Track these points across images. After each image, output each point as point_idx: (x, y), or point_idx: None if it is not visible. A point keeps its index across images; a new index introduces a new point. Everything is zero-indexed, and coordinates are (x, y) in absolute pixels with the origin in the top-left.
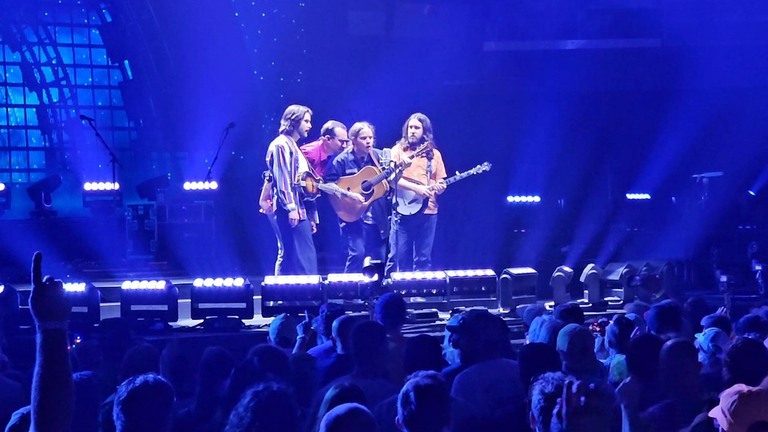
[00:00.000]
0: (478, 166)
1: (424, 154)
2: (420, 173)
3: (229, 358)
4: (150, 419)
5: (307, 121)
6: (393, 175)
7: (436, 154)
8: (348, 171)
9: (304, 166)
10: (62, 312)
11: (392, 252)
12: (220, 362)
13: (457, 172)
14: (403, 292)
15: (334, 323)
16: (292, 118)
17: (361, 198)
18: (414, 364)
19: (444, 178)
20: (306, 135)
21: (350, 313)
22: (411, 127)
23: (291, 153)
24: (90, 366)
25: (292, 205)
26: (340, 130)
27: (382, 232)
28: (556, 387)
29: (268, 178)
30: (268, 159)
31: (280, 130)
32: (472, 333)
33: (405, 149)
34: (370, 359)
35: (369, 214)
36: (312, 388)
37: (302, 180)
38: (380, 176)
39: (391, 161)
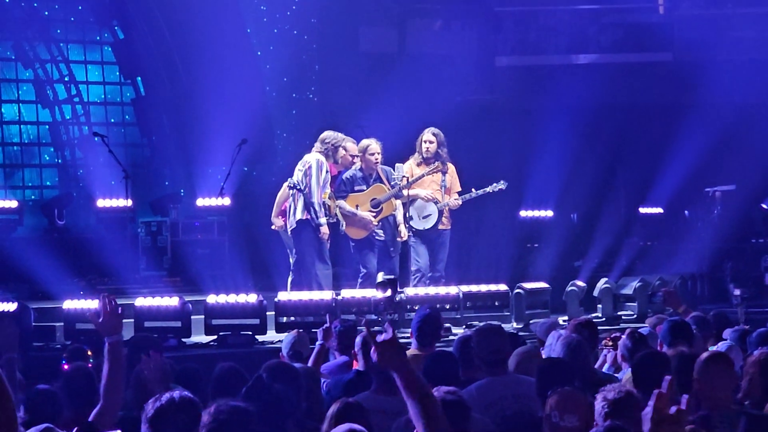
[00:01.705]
0: (495, 184)
1: (438, 170)
2: (435, 188)
3: (241, 374)
4: None
5: (344, 148)
6: (406, 192)
7: (451, 168)
8: (357, 188)
9: (329, 188)
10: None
11: (415, 266)
12: (232, 378)
13: (473, 190)
14: (416, 307)
15: (358, 339)
16: (331, 143)
17: (371, 216)
18: (433, 379)
19: (459, 194)
20: (339, 162)
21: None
22: (425, 141)
23: (327, 171)
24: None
25: (324, 219)
26: (351, 145)
27: (392, 249)
28: (618, 393)
29: (291, 186)
30: (302, 169)
31: (316, 150)
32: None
33: (419, 164)
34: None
35: (379, 231)
36: (322, 404)
37: (328, 199)
38: (389, 194)
39: (404, 176)
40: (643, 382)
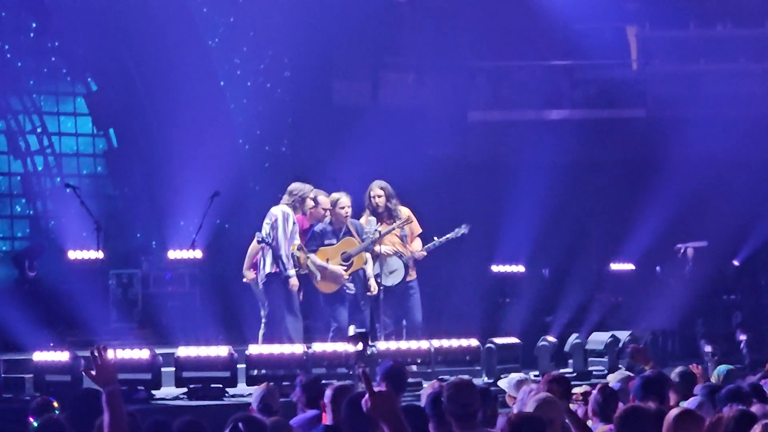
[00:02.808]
0: (457, 229)
1: (393, 222)
2: (395, 241)
3: (202, 427)
4: None
5: (312, 199)
6: (378, 247)
7: (405, 213)
8: (327, 242)
9: (298, 239)
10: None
11: (384, 321)
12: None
13: (435, 238)
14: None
15: (328, 391)
16: (298, 195)
17: (342, 270)
18: None
19: (423, 243)
20: (308, 214)
21: (338, 382)
22: (374, 196)
23: (294, 222)
24: None
25: (292, 271)
26: (323, 198)
27: (362, 303)
28: None
29: (260, 240)
30: (269, 222)
31: (284, 203)
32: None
33: (380, 223)
34: (363, 429)
35: (350, 284)
36: None
37: (297, 250)
38: (360, 247)
39: (377, 230)
40: None
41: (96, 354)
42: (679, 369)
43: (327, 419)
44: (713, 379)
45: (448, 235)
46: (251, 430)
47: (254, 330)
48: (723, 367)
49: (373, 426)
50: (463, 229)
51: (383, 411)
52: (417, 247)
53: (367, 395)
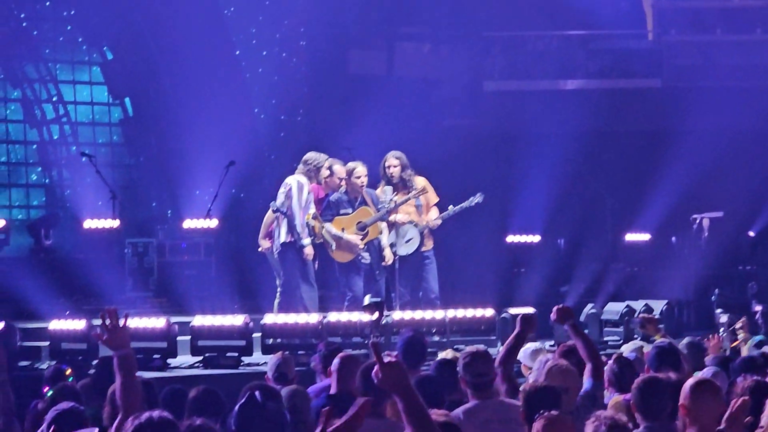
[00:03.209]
0: (471, 198)
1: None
2: (410, 211)
3: (218, 396)
4: None
5: (327, 168)
6: (392, 217)
7: (421, 182)
8: (342, 211)
9: (313, 208)
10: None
11: (399, 290)
12: (207, 400)
13: (450, 206)
14: (402, 330)
15: (336, 360)
16: (313, 164)
17: (357, 239)
18: None
19: (438, 211)
20: (323, 183)
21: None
22: (389, 166)
23: (309, 192)
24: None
25: (307, 240)
26: (339, 168)
27: (377, 272)
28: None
29: (275, 209)
30: (284, 191)
31: (299, 172)
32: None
33: (395, 192)
34: (380, 400)
35: (365, 254)
36: (308, 424)
37: (312, 219)
38: (375, 217)
39: (392, 199)
40: (647, 408)
41: (106, 317)
42: (686, 340)
43: (332, 388)
44: (744, 349)
45: (462, 204)
46: (267, 398)
47: (269, 299)
48: (757, 337)
49: (386, 396)
50: (477, 198)
51: (394, 382)
52: (433, 216)
53: (377, 367)
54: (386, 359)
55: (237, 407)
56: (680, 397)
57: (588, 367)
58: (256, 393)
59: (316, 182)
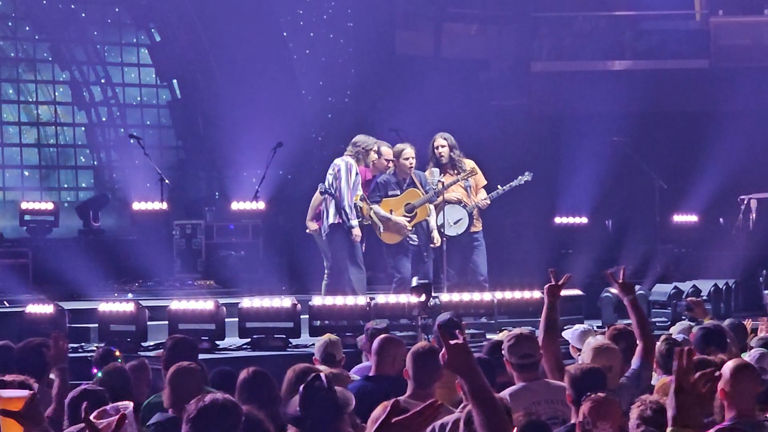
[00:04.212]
0: (520, 177)
1: (457, 173)
2: (460, 192)
3: (268, 378)
4: None
5: (375, 151)
6: (440, 198)
7: (469, 164)
8: (390, 193)
9: (360, 190)
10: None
11: (448, 272)
12: (258, 382)
13: (498, 186)
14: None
15: (375, 342)
16: (362, 146)
17: (405, 221)
18: None
19: (487, 192)
20: (371, 166)
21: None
22: (437, 147)
23: (357, 173)
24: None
25: (355, 222)
26: (386, 149)
27: (425, 254)
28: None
29: (322, 191)
30: (332, 172)
31: (347, 154)
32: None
33: (443, 174)
34: (427, 382)
35: (413, 235)
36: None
37: (360, 201)
38: (424, 199)
39: (440, 180)
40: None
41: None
42: (728, 321)
43: (372, 370)
44: None
45: (511, 183)
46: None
47: (317, 281)
48: None
49: (435, 379)
50: (526, 177)
51: (460, 364)
52: (481, 197)
53: (444, 349)
54: (452, 342)
55: (301, 389)
56: (721, 380)
57: (639, 346)
58: (321, 375)
59: (364, 165)
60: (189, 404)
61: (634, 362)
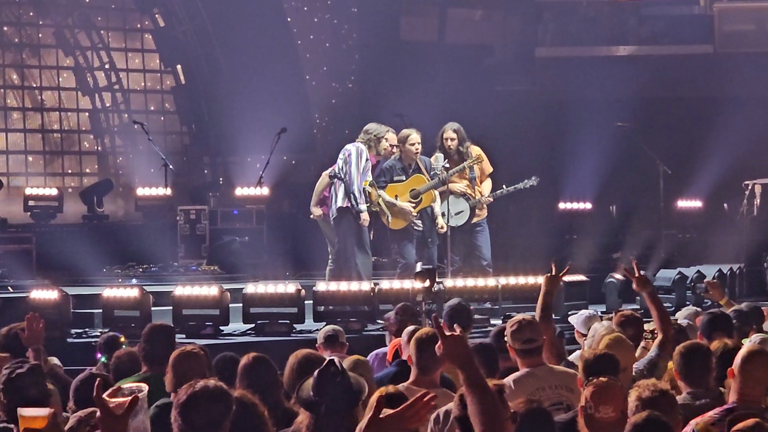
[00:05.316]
0: (526, 181)
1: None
2: (465, 183)
3: (271, 363)
4: (208, 425)
5: (387, 140)
6: (445, 187)
7: (476, 152)
8: (396, 178)
9: (370, 176)
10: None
11: (451, 258)
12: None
13: (504, 186)
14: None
15: (404, 334)
16: (373, 134)
17: (410, 207)
18: None
19: (491, 191)
20: (382, 154)
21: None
22: (447, 139)
23: (367, 159)
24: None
25: (364, 206)
26: (392, 135)
27: (430, 240)
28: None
29: (331, 175)
30: (342, 157)
31: (359, 140)
32: None
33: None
34: (430, 368)
35: (418, 221)
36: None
37: (369, 186)
38: (429, 185)
39: (444, 166)
40: (689, 375)
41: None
42: (744, 305)
43: (404, 354)
44: None
45: (516, 185)
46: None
47: (321, 266)
48: None
49: (437, 365)
50: (532, 181)
51: (456, 355)
52: (487, 187)
53: (440, 340)
54: (448, 333)
55: (316, 374)
56: (733, 365)
57: (659, 337)
58: (336, 360)
59: (375, 152)
60: (179, 390)
61: (652, 351)
